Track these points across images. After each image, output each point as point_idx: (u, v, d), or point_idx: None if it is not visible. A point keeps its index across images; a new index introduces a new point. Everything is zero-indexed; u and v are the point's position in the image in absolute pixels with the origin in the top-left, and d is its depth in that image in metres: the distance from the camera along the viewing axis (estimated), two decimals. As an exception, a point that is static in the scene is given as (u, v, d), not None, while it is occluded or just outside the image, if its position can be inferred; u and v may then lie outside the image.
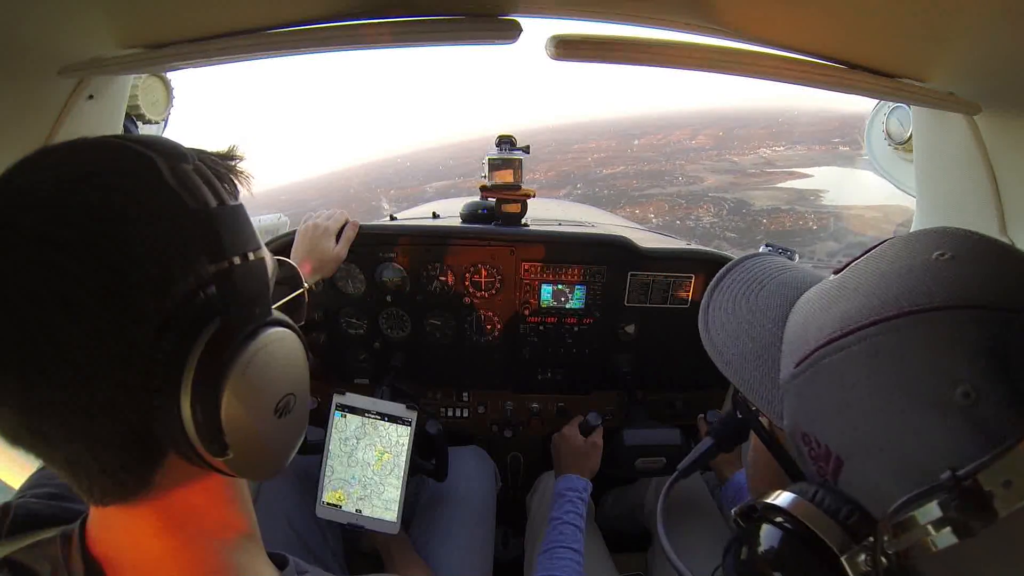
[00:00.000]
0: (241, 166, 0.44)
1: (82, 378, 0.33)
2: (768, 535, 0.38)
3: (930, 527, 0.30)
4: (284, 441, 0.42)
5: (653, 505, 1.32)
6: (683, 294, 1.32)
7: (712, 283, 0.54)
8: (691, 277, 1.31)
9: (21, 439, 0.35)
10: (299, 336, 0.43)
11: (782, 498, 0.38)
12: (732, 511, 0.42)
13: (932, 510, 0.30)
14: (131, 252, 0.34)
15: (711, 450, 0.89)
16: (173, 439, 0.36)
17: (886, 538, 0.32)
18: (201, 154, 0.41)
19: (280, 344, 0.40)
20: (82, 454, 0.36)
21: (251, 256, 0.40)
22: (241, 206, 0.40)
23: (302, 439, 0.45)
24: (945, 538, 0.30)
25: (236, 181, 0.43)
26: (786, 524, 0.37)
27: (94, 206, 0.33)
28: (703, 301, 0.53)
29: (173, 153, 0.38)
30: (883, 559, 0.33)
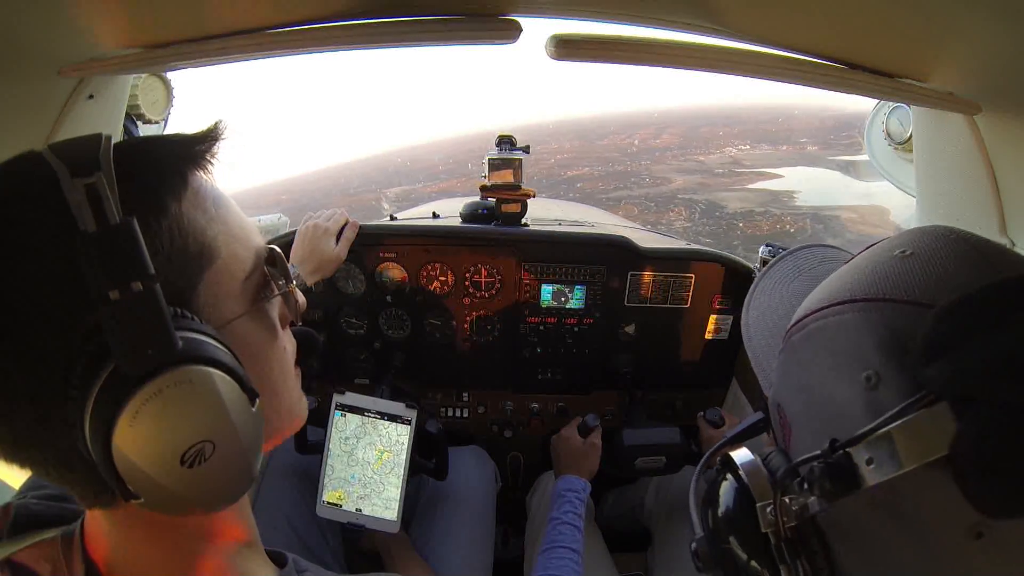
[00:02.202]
0: (213, 149, 0.40)
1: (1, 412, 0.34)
2: (725, 485, 0.43)
3: (809, 488, 0.35)
4: (203, 489, 0.36)
5: (653, 505, 1.32)
6: (683, 294, 1.32)
7: (767, 267, 0.59)
8: (691, 277, 1.31)
9: None
10: (228, 371, 0.36)
11: (739, 453, 0.42)
12: (717, 457, 0.47)
13: (811, 473, 0.34)
14: (23, 289, 0.32)
15: (759, 423, 0.91)
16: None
17: (788, 497, 0.37)
18: (156, 146, 0.38)
19: (186, 387, 0.34)
20: (37, 470, 0.36)
21: (137, 286, 0.33)
22: (127, 223, 0.33)
23: (242, 483, 0.38)
24: (820, 500, 0.34)
25: (199, 171, 0.40)
26: (732, 473, 0.42)
27: None
28: (753, 283, 0.59)
29: (81, 163, 0.33)
30: (790, 516, 0.37)
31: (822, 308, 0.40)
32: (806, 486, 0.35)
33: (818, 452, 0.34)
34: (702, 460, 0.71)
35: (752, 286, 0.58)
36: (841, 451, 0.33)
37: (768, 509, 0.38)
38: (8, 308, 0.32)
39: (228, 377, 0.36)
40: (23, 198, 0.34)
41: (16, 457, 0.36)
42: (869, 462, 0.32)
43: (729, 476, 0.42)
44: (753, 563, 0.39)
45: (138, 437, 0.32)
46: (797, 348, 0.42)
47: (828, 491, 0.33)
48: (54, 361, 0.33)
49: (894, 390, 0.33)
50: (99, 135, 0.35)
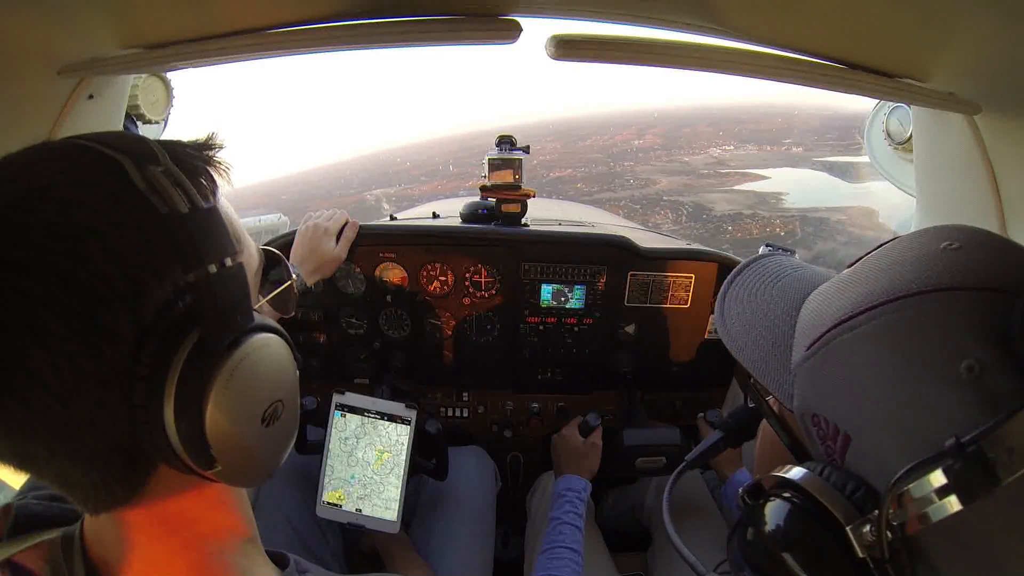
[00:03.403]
0: (219, 156, 0.42)
1: (59, 400, 0.32)
2: (775, 510, 0.39)
3: (934, 495, 0.31)
4: (274, 448, 0.41)
5: (653, 505, 1.32)
6: (683, 294, 1.33)
7: (730, 276, 0.56)
8: (691, 277, 1.31)
9: (7, 459, 0.35)
10: (285, 338, 0.41)
11: (791, 473, 0.39)
12: (740, 490, 0.44)
13: (936, 477, 0.31)
14: (96, 269, 0.32)
15: (719, 443, 0.89)
16: (160, 452, 0.35)
17: (891, 510, 0.33)
18: (176, 149, 0.39)
19: (265, 351, 0.38)
20: (70, 471, 0.36)
21: (228, 262, 0.37)
22: (214, 208, 0.37)
23: (293, 441, 0.44)
24: (948, 506, 0.31)
25: (215, 173, 0.41)
26: (793, 498, 0.38)
27: (51, 223, 0.32)
28: (720, 292, 0.56)
29: (143, 154, 0.35)
30: (888, 532, 0.33)
31: (875, 305, 0.37)
32: (926, 491, 0.32)
33: (937, 453, 0.31)
34: (669, 482, 0.69)
35: (719, 297, 0.55)
36: (973, 446, 0.30)
37: (866, 530, 0.34)
38: (75, 289, 0.31)
39: (286, 343, 0.41)
40: (79, 184, 0.33)
41: (57, 455, 0.35)
42: (1009, 451, 0.29)
43: (779, 499, 0.39)
44: None
45: (232, 398, 0.36)
46: (847, 349, 0.38)
47: (968, 492, 0.31)
48: (123, 340, 0.33)
49: (1006, 375, 0.32)
50: (119, 132, 0.37)
